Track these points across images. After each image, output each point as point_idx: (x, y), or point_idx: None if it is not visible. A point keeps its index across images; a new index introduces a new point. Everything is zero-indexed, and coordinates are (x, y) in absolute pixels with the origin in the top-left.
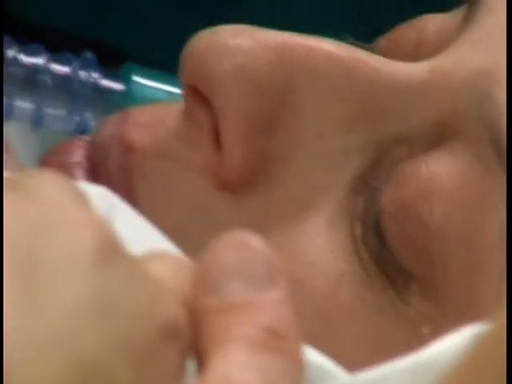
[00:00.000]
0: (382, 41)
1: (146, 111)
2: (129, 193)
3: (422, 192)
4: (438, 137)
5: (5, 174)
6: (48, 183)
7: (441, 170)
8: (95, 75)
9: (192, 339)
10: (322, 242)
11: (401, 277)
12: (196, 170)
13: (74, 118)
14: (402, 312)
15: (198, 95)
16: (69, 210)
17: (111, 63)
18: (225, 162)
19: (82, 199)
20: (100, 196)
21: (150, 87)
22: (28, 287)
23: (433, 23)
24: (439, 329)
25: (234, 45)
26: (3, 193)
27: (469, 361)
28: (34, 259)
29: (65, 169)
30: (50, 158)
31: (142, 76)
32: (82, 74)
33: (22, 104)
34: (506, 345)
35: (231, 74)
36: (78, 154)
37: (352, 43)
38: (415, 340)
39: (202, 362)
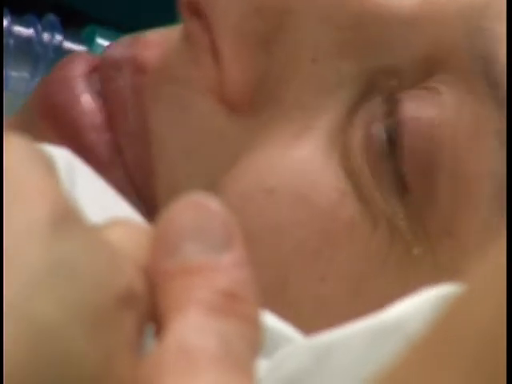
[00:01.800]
0: None
1: (157, 33)
2: (141, 114)
3: (435, 114)
4: (429, 70)
5: None
6: (10, 151)
7: (449, 99)
8: (58, 37)
9: (150, 305)
10: (323, 161)
11: (397, 192)
12: (200, 91)
13: (36, 80)
14: (396, 230)
15: (195, 11)
16: (26, 179)
17: (74, 25)
18: (225, 78)
19: (43, 166)
20: (62, 159)
21: None
22: None
23: None
24: (429, 252)
25: None
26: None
27: (438, 325)
28: None
29: (67, 81)
30: (57, 69)
31: (105, 38)
32: (45, 36)
33: None
34: (482, 306)
35: None
36: (81, 66)
37: None
38: (407, 262)
39: (160, 327)
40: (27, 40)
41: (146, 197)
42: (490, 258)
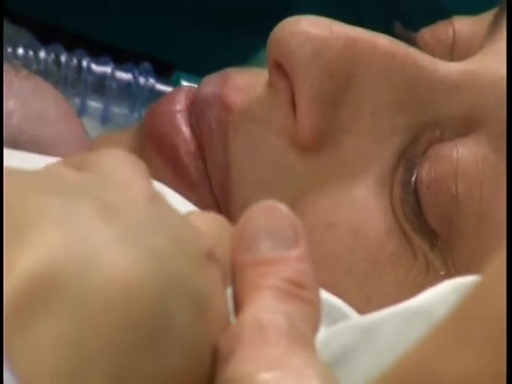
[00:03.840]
0: (426, 33)
1: (243, 76)
2: (224, 146)
3: (453, 171)
4: (465, 127)
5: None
6: (111, 158)
7: (467, 155)
8: (151, 81)
9: (227, 271)
10: (374, 201)
11: (427, 235)
12: (276, 131)
13: (134, 115)
14: (431, 264)
15: (280, 69)
16: (123, 176)
17: (164, 71)
18: (298, 125)
19: (138, 169)
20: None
21: None
22: (105, 211)
23: (466, 27)
24: (452, 275)
25: (313, 33)
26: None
27: (459, 310)
28: (102, 198)
29: (169, 115)
30: (157, 106)
31: (189, 81)
32: (141, 80)
33: (94, 104)
34: (495, 294)
35: (309, 58)
36: (180, 103)
37: (403, 34)
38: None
39: (238, 308)
40: (127, 83)
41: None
42: (502, 255)
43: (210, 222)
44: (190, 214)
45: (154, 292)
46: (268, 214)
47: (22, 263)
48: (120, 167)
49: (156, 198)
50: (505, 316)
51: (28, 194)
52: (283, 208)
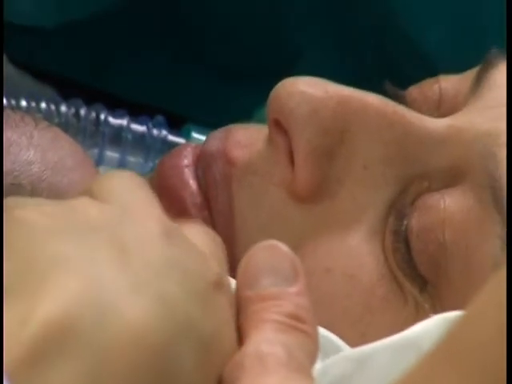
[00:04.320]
0: (414, 90)
1: (245, 132)
2: (228, 197)
3: (439, 220)
4: (451, 178)
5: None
6: (124, 186)
7: (453, 206)
8: (164, 133)
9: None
10: (367, 249)
11: (417, 280)
12: (276, 183)
13: (149, 164)
14: (421, 307)
15: (279, 126)
16: (140, 207)
17: (176, 124)
18: (296, 177)
19: (149, 196)
20: None
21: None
22: (120, 255)
23: (451, 84)
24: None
25: (310, 93)
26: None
27: (444, 340)
28: (120, 239)
29: (177, 169)
30: (167, 159)
31: (199, 133)
32: (155, 132)
33: (111, 154)
34: (477, 328)
35: (306, 116)
36: (187, 157)
37: (393, 92)
38: None
39: (241, 339)
40: (141, 135)
41: (228, 260)
42: (488, 288)
43: (205, 239)
44: (191, 230)
45: (164, 338)
46: (269, 252)
47: (40, 311)
48: (136, 196)
49: (171, 231)
50: (496, 342)
51: (49, 237)
52: (283, 247)
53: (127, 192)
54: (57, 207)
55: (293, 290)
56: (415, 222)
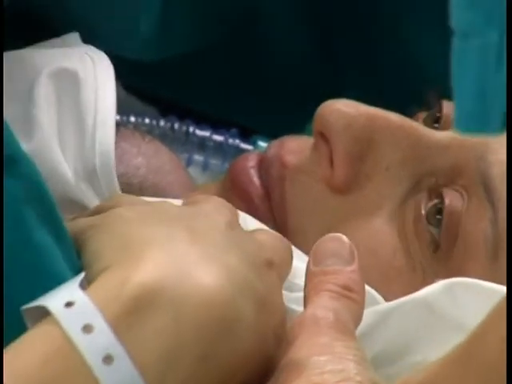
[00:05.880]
0: (421, 114)
1: (295, 142)
2: (283, 191)
3: (447, 205)
4: (453, 176)
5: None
6: (212, 204)
7: (455, 195)
8: (237, 141)
9: (283, 273)
10: (387, 230)
11: (432, 250)
12: (319, 180)
13: (225, 165)
14: (427, 274)
15: (322, 136)
16: (212, 210)
17: (246, 135)
18: (334, 175)
19: (226, 206)
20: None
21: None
22: (193, 237)
23: (450, 110)
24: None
25: (345, 112)
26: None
27: (458, 353)
28: (193, 227)
29: (245, 169)
30: (237, 161)
31: (263, 141)
32: (230, 141)
33: (197, 157)
34: (489, 342)
35: (342, 129)
36: (252, 161)
37: (408, 114)
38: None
39: (305, 304)
40: (220, 143)
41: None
42: (497, 306)
43: (272, 238)
44: (258, 231)
45: (228, 295)
46: (334, 241)
47: (135, 277)
48: (213, 205)
49: (233, 223)
50: (499, 358)
51: (140, 225)
52: (345, 238)
53: (208, 201)
54: (146, 206)
55: (349, 268)
56: (425, 207)
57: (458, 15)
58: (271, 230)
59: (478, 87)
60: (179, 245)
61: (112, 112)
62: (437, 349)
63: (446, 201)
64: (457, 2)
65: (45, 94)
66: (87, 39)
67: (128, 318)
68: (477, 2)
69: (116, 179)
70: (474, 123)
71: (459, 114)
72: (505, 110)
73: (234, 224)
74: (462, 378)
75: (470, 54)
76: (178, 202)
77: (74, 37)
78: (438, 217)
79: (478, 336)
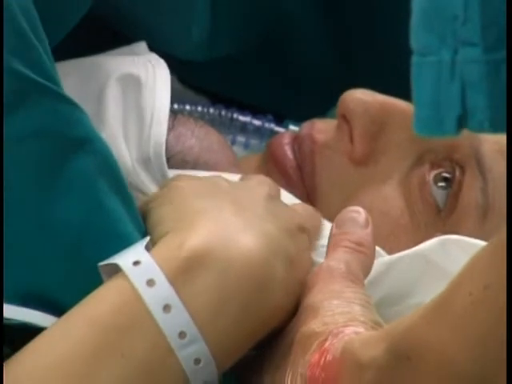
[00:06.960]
0: None
1: (323, 123)
2: (313, 164)
3: (456, 179)
4: (450, 152)
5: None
6: (256, 180)
7: (459, 172)
8: (272, 125)
9: (313, 236)
10: (395, 195)
11: (434, 211)
12: (342, 153)
13: (263, 144)
14: (428, 231)
15: (344, 118)
16: (255, 184)
17: (280, 120)
18: (354, 149)
19: (267, 181)
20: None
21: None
22: (238, 209)
23: None
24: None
25: (363, 99)
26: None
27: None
28: (238, 199)
29: (281, 145)
30: (274, 139)
31: (294, 125)
32: (266, 124)
33: (240, 138)
34: (463, 289)
35: (361, 113)
36: (287, 138)
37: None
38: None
39: (326, 257)
40: (258, 126)
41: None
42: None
43: (305, 208)
44: (295, 204)
45: (265, 257)
46: (354, 212)
47: (189, 241)
48: (257, 181)
49: (272, 196)
50: (463, 313)
51: (195, 197)
52: (361, 209)
53: (253, 178)
54: (201, 180)
55: (364, 231)
56: (428, 176)
57: (417, 37)
58: (304, 203)
59: (433, 97)
60: (226, 215)
61: (166, 111)
62: (432, 294)
63: (457, 173)
64: (416, 26)
65: (113, 95)
66: (150, 44)
67: (183, 275)
68: (432, 27)
69: (166, 167)
70: (430, 127)
71: (417, 119)
72: (458, 114)
73: (274, 196)
74: (435, 323)
75: (426, 70)
76: (235, 176)
77: (142, 45)
78: (441, 184)
79: (451, 288)
